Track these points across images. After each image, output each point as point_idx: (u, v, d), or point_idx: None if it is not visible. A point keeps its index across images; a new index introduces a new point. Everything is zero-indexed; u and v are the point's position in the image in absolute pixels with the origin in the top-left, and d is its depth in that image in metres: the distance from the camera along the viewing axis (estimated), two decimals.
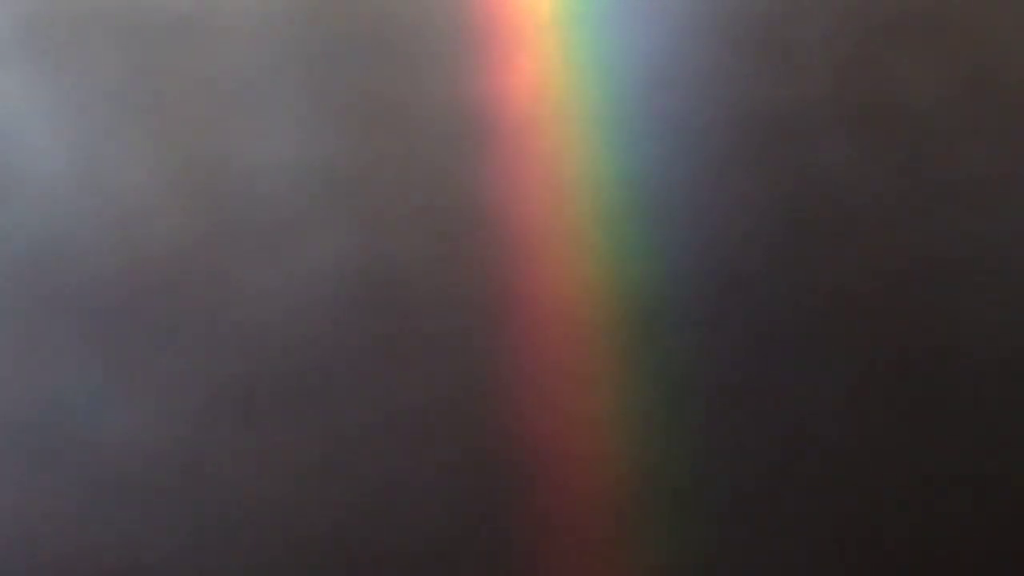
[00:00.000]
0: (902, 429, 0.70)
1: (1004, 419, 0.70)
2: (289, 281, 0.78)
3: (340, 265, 0.79)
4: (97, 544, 0.68)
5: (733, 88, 0.94)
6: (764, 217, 0.82)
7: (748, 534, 0.67)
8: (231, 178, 0.88)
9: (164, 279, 0.80)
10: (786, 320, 0.75)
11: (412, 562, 0.66)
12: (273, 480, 0.70)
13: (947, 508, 0.67)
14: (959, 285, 0.77)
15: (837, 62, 0.97)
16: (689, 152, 0.87)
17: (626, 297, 0.77)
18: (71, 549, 0.68)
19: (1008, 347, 0.73)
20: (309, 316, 0.77)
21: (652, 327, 0.75)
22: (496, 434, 0.71)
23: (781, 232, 0.81)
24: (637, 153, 0.88)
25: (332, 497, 0.69)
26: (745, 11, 1.04)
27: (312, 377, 0.74)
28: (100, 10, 1.11)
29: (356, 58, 1.00)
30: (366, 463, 0.70)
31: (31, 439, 0.71)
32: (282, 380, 0.74)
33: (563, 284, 0.77)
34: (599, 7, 1.06)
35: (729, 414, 0.71)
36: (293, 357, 0.75)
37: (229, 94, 0.97)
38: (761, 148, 0.87)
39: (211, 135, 0.93)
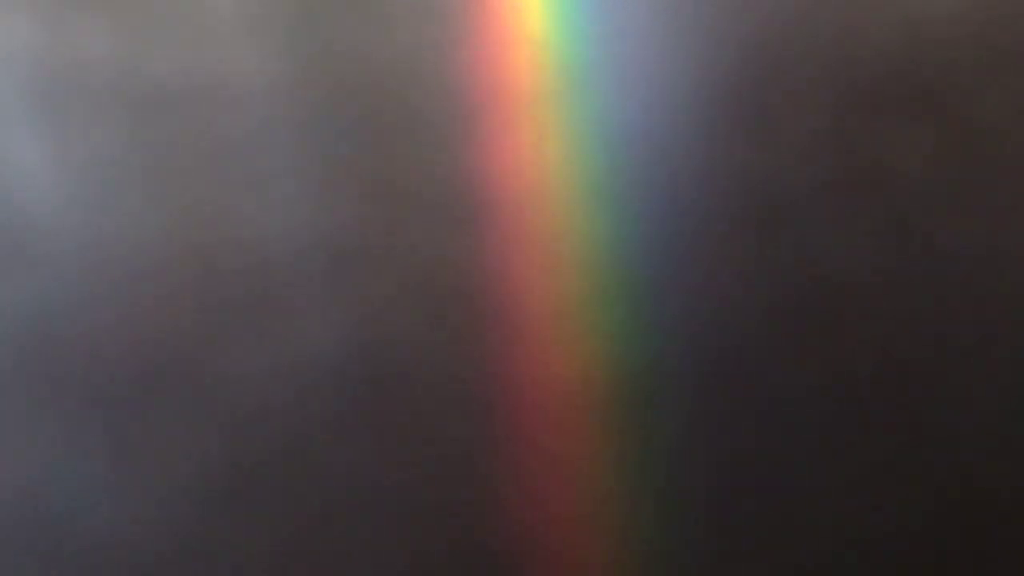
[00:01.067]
0: (899, 503, 0.70)
1: (1003, 496, 0.69)
2: (283, 358, 0.77)
3: (335, 342, 0.78)
4: None
5: (725, 162, 0.92)
6: (758, 292, 0.81)
7: None
8: (229, 251, 0.86)
9: (159, 355, 0.79)
10: (780, 397, 0.74)
11: None
12: (265, 560, 0.70)
13: None
14: (954, 358, 0.76)
15: (829, 134, 0.95)
16: (682, 228, 0.85)
17: (619, 376, 0.76)
18: None
19: (997, 414, 0.72)
20: (303, 394, 0.76)
21: (645, 407, 0.74)
22: (486, 515, 0.70)
23: (775, 307, 0.79)
24: (630, 229, 0.86)
25: None
26: (738, 85, 1.01)
27: (305, 455, 0.73)
28: (104, 77, 1.08)
29: (354, 134, 0.98)
30: (357, 543, 0.69)
31: (19, 519, 0.71)
32: (275, 458, 0.73)
33: (557, 363, 0.76)
34: (593, 81, 1.03)
35: (724, 492, 0.70)
36: (287, 435, 0.74)
37: (228, 166, 0.95)
38: (754, 222, 0.86)
39: (209, 207, 0.91)
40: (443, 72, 1.06)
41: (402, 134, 0.98)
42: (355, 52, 1.11)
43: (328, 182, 0.93)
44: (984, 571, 0.66)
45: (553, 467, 0.71)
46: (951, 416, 0.72)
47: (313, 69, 1.09)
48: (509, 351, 0.76)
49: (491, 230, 0.86)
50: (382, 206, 0.90)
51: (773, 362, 0.76)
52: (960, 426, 0.71)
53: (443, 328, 0.78)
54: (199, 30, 1.15)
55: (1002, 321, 0.76)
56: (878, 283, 0.80)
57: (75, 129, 1.03)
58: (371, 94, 1.04)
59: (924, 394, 0.74)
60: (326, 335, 0.78)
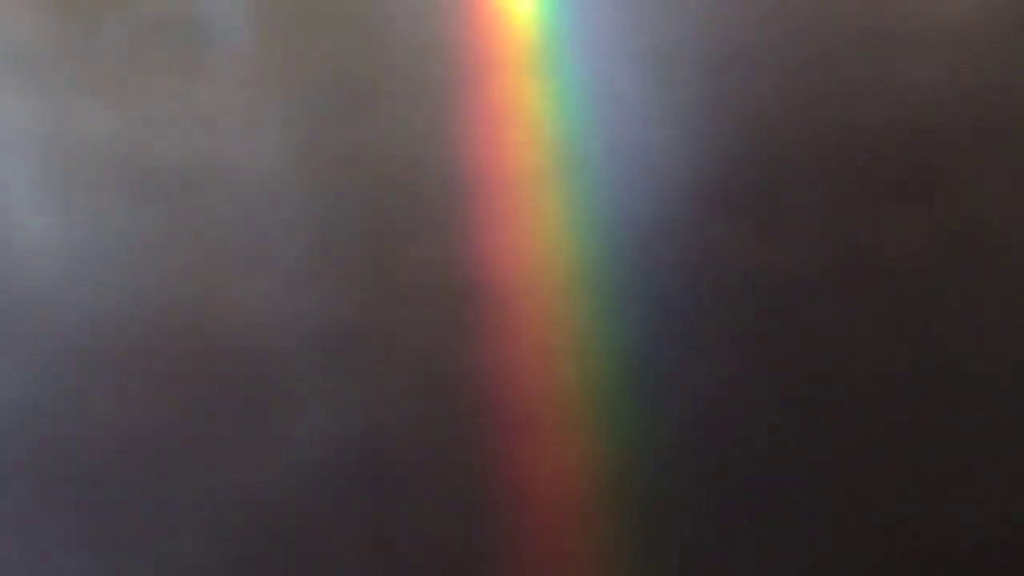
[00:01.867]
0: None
1: None
2: (278, 447, 0.76)
3: (331, 431, 0.77)
4: None
5: (723, 247, 0.92)
6: (757, 380, 0.80)
7: None
8: (227, 336, 0.86)
9: (153, 440, 0.78)
10: (781, 492, 0.73)
11: None
12: None
13: None
14: (955, 454, 0.74)
15: (827, 219, 0.95)
16: (679, 317, 0.85)
17: (621, 467, 0.74)
18: None
19: (1001, 497, 0.71)
20: (298, 484, 0.75)
21: (645, 501, 0.72)
22: None
23: (775, 396, 0.78)
24: (629, 315, 0.86)
25: None
26: (735, 170, 1.02)
27: (299, 548, 0.71)
28: (108, 160, 1.09)
29: (352, 219, 0.98)
30: None
31: None
32: (268, 550, 0.71)
33: (557, 453, 0.74)
34: (592, 165, 1.04)
35: None
36: (281, 526, 0.72)
37: (227, 251, 0.95)
38: (753, 309, 0.85)
39: (209, 291, 0.91)
40: (440, 156, 1.06)
41: (400, 219, 0.98)
42: (354, 138, 1.11)
43: (326, 268, 0.93)
44: None
45: (556, 566, 0.69)
46: (955, 499, 0.70)
47: (312, 155, 1.09)
48: (509, 442, 0.75)
49: (490, 317, 0.85)
50: (381, 293, 0.89)
51: (774, 451, 0.74)
52: (965, 511, 0.70)
53: (442, 419, 0.76)
54: (202, 115, 1.15)
55: (1003, 409, 0.75)
56: (879, 371, 0.79)
57: (77, 211, 1.03)
58: (370, 180, 1.05)
59: (927, 479, 0.73)
60: (323, 424, 0.77)
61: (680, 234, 0.94)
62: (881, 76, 1.17)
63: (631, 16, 1.33)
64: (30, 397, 0.81)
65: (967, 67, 1.18)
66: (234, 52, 1.28)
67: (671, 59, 1.23)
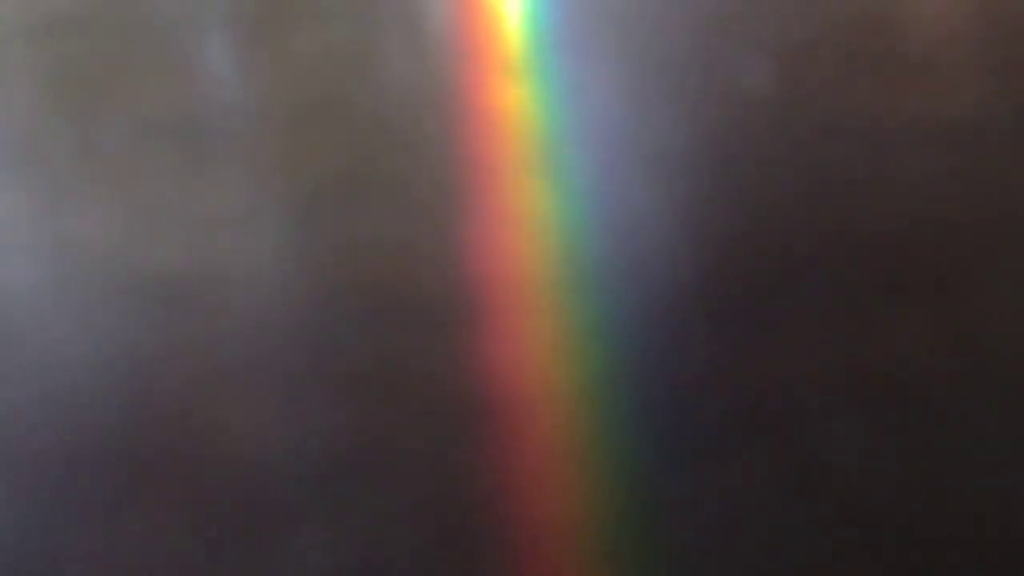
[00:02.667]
0: None
1: None
2: (276, 571, 0.74)
3: (330, 556, 0.75)
4: None
5: (733, 362, 0.91)
6: (771, 494, 0.78)
7: None
8: (221, 454, 0.84)
9: (146, 564, 0.76)
10: None
11: None
12: None
13: None
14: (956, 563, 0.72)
15: (836, 331, 0.94)
16: (692, 433, 0.83)
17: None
18: None
19: None
20: None
21: None
22: None
23: (788, 514, 0.76)
24: (630, 433, 0.84)
25: None
26: (741, 279, 1.01)
27: None
28: (109, 260, 1.08)
29: (352, 330, 0.97)
30: None
31: None
32: None
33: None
34: (595, 270, 1.03)
35: None
36: None
37: (222, 360, 0.94)
38: (757, 423, 0.84)
39: (203, 404, 0.89)
40: (441, 262, 1.05)
41: (401, 328, 0.97)
42: (353, 244, 1.10)
43: (325, 381, 0.92)
44: None
45: None
46: None
47: (310, 261, 1.08)
48: (515, 563, 0.73)
49: (496, 434, 0.84)
50: (382, 407, 0.88)
51: (792, 566, 0.72)
52: None
53: (447, 545, 0.74)
54: (202, 217, 1.14)
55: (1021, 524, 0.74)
56: (892, 484, 0.78)
57: (69, 316, 1.02)
58: (369, 287, 1.03)
59: None
60: (321, 548, 0.75)
61: (682, 344, 0.93)
62: (884, 173, 1.17)
63: (635, 113, 1.32)
64: (11, 502, 0.80)
65: (972, 164, 1.17)
66: (235, 151, 1.27)
67: (674, 157, 1.23)
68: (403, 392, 0.89)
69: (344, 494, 0.79)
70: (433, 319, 0.98)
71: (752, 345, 0.92)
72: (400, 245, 1.10)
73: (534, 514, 0.76)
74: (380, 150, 1.26)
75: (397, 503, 0.77)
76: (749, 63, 1.44)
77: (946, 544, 0.72)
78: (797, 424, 0.83)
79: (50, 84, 1.49)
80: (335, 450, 0.83)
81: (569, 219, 1.14)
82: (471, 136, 1.29)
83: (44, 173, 1.27)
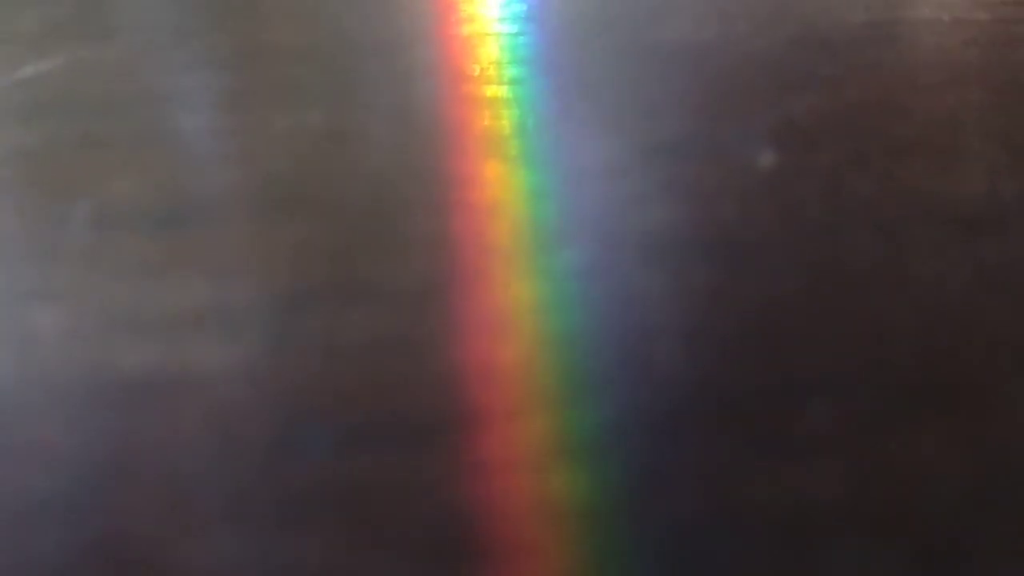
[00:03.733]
0: None
1: None
2: None
3: None
4: None
5: (735, 480, 0.84)
6: None
7: None
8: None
9: None
10: None
11: None
12: None
13: None
14: None
15: (850, 444, 0.87)
16: (698, 562, 0.76)
17: None
18: None
19: None
20: None
21: None
22: None
23: None
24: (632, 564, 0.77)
25: None
26: (743, 382, 0.94)
27: None
28: (68, 368, 1.01)
29: (330, 448, 0.90)
30: None
31: None
32: None
33: None
34: (587, 376, 0.96)
35: None
36: None
37: (191, 462, 0.87)
38: (769, 551, 0.77)
39: (164, 516, 0.82)
40: (426, 365, 0.98)
41: (382, 444, 0.89)
42: (330, 346, 1.03)
43: (292, 501, 0.84)
44: None
45: None
46: None
47: (284, 359, 1.01)
48: None
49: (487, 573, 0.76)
50: (359, 537, 0.80)
51: None
52: None
53: None
54: (167, 316, 1.07)
55: None
56: None
57: (28, 420, 0.95)
58: (345, 397, 0.96)
59: None
60: None
61: (681, 456, 0.86)
62: (893, 268, 1.11)
63: (631, 198, 1.26)
64: None
65: (995, 260, 1.11)
66: (208, 242, 1.21)
67: (672, 246, 1.16)
68: (380, 520, 0.82)
69: None
70: (417, 433, 0.91)
71: (756, 460, 0.85)
72: (382, 347, 1.02)
73: None
74: (361, 241, 1.19)
75: None
76: (751, 146, 1.37)
77: None
78: (806, 547, 0.76)
79: (23, 168, 1.43)
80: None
81: (560, 312, 1.07)
82: (457, 224, 1.23)
83: (5, 267, 1.20)
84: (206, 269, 1.14)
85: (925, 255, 1.13)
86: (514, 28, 1.90)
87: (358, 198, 1.28)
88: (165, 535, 0.81)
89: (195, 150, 1.41)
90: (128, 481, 0.88)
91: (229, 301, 1.09)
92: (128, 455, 0.90)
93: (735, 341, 1.01)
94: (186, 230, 1.22)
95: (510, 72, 1.67)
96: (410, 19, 1.99)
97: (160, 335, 1.05)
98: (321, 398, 0.95)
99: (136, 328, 1.06)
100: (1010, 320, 1.02)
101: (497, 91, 1.59)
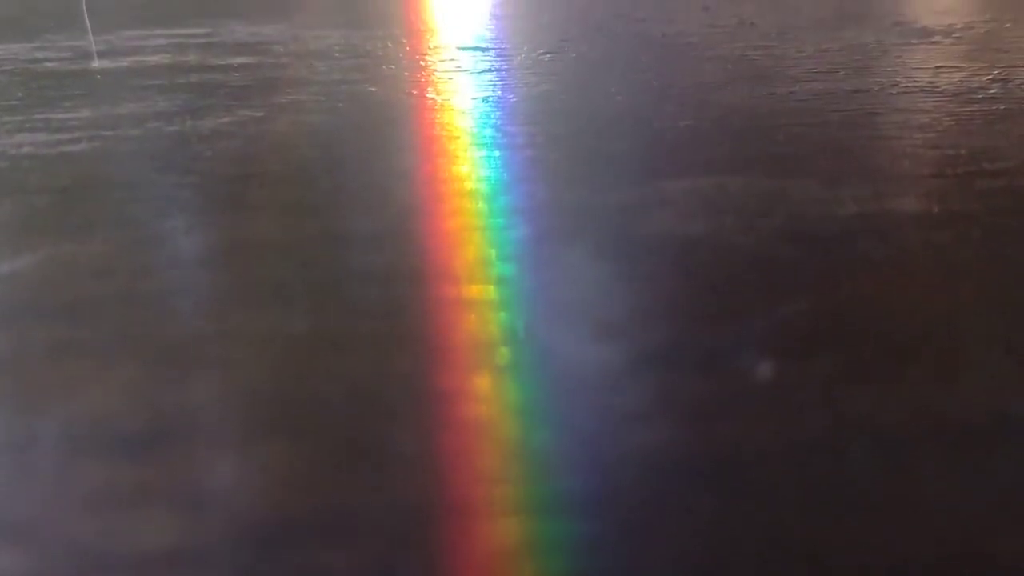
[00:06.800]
0: None
1: None
2: None
3: None
4: None
5: None
6: None
7: None
8: None
9: None
10: None
11: None
12: None
13: None
14: None
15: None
16: None
17: None
18: None
19: None
20: None
21: None
22: None
23: None
24: None
25: None
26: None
27: None
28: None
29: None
30: None
31: None
32: None
33: None
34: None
35: None
36: None
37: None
38: None
39: None
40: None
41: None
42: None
43: None
44: None
45: None
46: None
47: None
48: None
49: None
50: None
51: None
52: None
53: None
54: (136, 559, 1.01)
55: None
56: None
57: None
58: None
59: None
60: None
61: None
62: (906, 489, 1.06)
63: (623, 416, 1.21)
64: None
65: (1010, 481, 1.06)
66: (176, 468, 1.15)
67: (669, 469, 1.11)
68: None
69: None
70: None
71: None
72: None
73: None
74: (341, 465, 1.14)
75: None
76: (745, 355, 1.33)
77: None
78: None
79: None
80: None
81: (557, 552, 1.01)
82: (444, 445, 1.18)
83: None
84: (177, 501, 1.08)
85: (932, 473, 1.08)
86: (501, 221, 1.87)
87: (338, 416, 1.23)
88: None
89: (169, 359, 1.36)
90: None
91: (201, 537, 1.04)
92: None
93: (739, 570, 0.96)
94: (157, 454, 1.16)
95: (496, 270, 1.64)
96: (397, 212, 1.97)
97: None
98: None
99: (105, 569, 1.01)
100: None
101: (483, 291, 1.55)
